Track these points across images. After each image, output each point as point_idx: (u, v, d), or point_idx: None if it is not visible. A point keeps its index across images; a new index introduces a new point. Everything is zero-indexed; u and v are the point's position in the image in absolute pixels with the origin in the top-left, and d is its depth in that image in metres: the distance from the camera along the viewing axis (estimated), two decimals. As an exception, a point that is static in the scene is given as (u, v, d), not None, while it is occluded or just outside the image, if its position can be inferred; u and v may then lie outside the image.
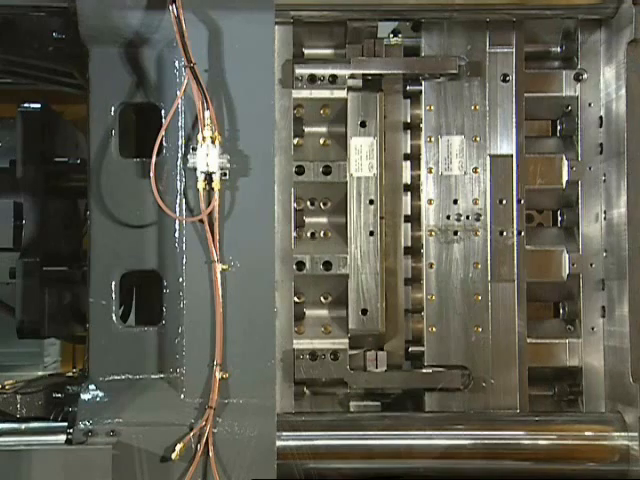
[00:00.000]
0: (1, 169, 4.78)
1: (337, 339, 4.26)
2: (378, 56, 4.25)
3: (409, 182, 4.39)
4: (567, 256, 4.31)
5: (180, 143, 3.89)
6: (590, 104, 4.36)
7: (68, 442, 3.80)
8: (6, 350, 5.48)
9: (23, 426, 3.99)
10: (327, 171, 4.25)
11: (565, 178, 4.33)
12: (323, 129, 4.33)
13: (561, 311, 4.39)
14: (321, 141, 4.33)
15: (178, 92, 3.82)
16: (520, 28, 4.30)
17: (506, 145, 4.29)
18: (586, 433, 4.14)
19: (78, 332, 4.73)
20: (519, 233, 4.28)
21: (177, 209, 3.89)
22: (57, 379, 4.57)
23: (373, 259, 4.24)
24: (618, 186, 4.15)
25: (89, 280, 3.95)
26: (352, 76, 4.25)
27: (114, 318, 3.94)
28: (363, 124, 4.27)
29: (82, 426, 3.83)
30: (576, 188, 4.34)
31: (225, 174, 3.85)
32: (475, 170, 4.28)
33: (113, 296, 3.93)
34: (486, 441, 4.11)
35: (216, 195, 3.83)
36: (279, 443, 3.92)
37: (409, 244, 4.38)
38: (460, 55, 4.27)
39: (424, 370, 4.25)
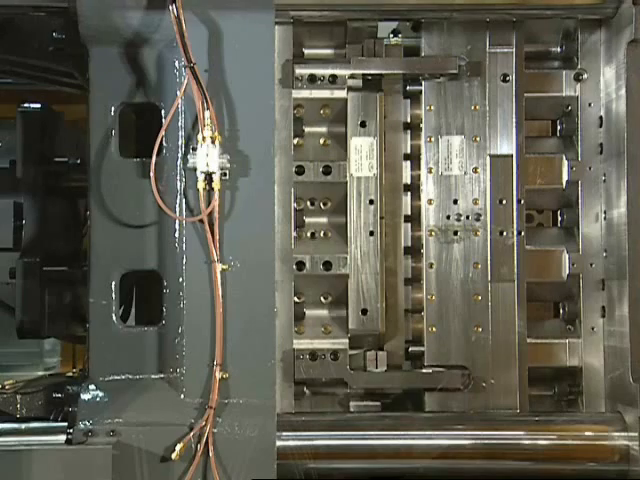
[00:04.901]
0: (1, 169, 4.78)
1: (337, 339, 4.26)
2: (378, 56, 4.25)
3: (409, 182, 4.39)
4: (567, 256, 4.31)
5: (180, 143, 3.89)
6: (590, 104, 4.35)
7: (68, 442, 3.80)
8: (6, 350, 5.48)
9: (23, 426, 3.98)
10: (327, 171, 4.25)
11: (565, 178, 4.33)
12: (323, 129, 4.33)
13: (561, 311, 4.39)
14: (321, 141, 4.33)
15: (178, 92, 3.82)
16: (520, 28, 4.29)
17: (506, 145, 4.28)
18: (586, 433, 4.13)
19: (78, 332, 4.73)
20: (519, 233, 4.27)
21: (177, 209, 3.89)
22: (57, 379, 4.57)
23: (373, 259, 4.24)
24: (618, 186, 4.15)
25: (89, 280, 3.95)
26: (352, 76, 4.25)
27: (114, 318, 3.94)
28: (363, 124, 4.27)
29: (82, 426, 3.83)
30: (576, 188, 4.34)
31: (225, 174, 3.85)
32: (475, 170, 4.28)
33: (113, 296, 3.93)
34: (486, 441, 4.10)
35: (216, 195, 3.83)
36: (279, 443, 3.92)
37: (409, 244, 4.38)
38: (460, 55, 4.27)
39: (424, 370, 4.25)
